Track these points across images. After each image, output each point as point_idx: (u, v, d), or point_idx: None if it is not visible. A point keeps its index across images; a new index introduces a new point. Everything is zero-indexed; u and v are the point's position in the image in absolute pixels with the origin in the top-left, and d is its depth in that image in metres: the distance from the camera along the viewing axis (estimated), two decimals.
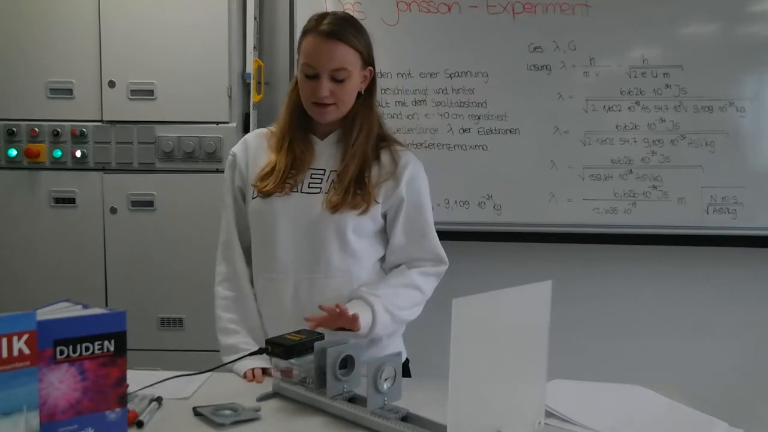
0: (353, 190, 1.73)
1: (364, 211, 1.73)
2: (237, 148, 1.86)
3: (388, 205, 1.78)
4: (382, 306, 1.69)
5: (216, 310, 1.84)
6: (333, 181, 1.75)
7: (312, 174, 1.76)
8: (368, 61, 1.76)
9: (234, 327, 1.80)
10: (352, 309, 1.64)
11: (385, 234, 1.83)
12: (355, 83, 1.73)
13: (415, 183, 1.80)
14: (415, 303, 1.79)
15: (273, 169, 1.76)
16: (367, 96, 1.78)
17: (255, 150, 1.83)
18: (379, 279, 1.82)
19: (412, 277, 1.78)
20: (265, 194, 1.75)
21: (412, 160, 1.82)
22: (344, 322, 1.61)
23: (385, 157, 1.79)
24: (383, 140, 1.82)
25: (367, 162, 1.75)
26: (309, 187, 1.75)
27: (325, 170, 1.77)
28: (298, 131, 1.78)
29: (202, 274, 2.79)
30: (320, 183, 1.75)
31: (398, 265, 1.82)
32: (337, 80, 1.69)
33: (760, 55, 2.81)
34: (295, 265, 1.76)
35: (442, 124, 2.89)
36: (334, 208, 1.71)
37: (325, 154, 1.78)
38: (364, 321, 1.65)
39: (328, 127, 1.78)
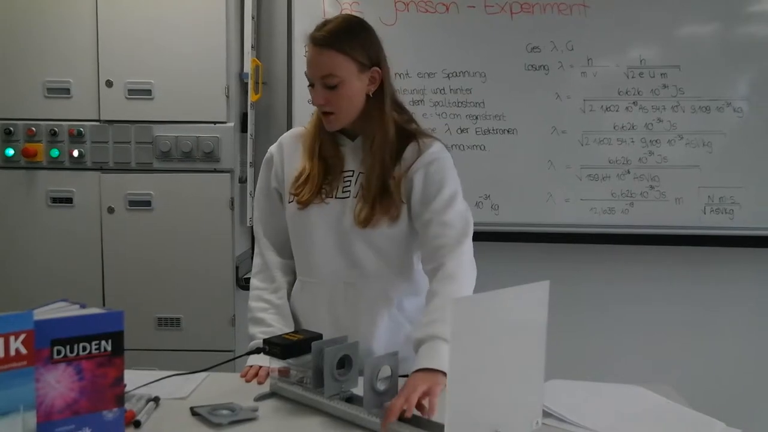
0: (380, 200, 1.69)
1: (395, 219, 1.69)
2: (273, 149, 1.85)
3: (406, 193, 1.72)
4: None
5: (249, 302, 1.83)
6: (361, 184, 1.72)
7: (344, 177, 1.74)
8: (370, 63, 1.70)
9: (261, 316, 1.78)
10: (425, 359, 1.51)
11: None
12: (353, 89, 1.68)
13: (433, 165, 1.73)
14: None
15: (308, 177, 1.74)
16: (377, 98, 1.72)
17: (290, 151, 1.82)
18: (415, 279, 1.78)
19: (448, 293, 1.61)
20: (304, 203, 1.73)
21: (433, 145, 1.76)
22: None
23: (408, 151, 1.73)
24: (409, 136, 1.76)
25: (387, 168, 1.70)
26: (343, 191, 1.73)
27: (353, 171, 1.74)
28: (327, 134, 1.76)
29: (200, 273, 2.81)
30: (350, 186, 1.73)
31: (431, 261, 1.68)
32: (329, 87, 1.66)
33: (758, 56, 2.82)
34: (331, 271, 1.74)
35: (440, 124, 2.89)
36: (363, 224, 1.69)
37: (354, 156, 1.75)
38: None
39: (356, 128, 1.75)
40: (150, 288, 2.82)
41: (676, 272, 3.01)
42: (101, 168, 2.80)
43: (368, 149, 1.72)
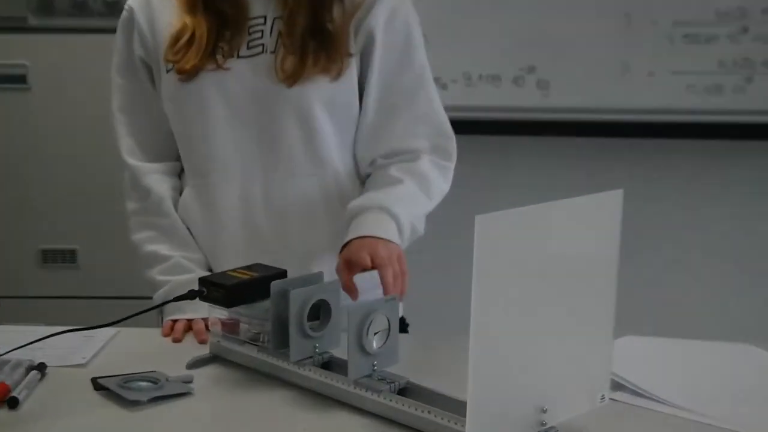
0: (312, 46, 1.72)
1: (338, 74, 1.74)
2: (133, 2, 1.86)
3: (357, 50, 1.78)
4: (406, 214, 1.73)
5: (129, 236, 1.88)
6: (280, 31, 1.74)
7: (250, 27, 1.76)
8: None
9: (149, 250, 1.83)
10: (364, 226, 1.68)
11: None
12: None
13: (398, 17, 1.79)
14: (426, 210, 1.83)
15: (192, 36, 1.76)
16: None
17: (160, 6, 1.83)
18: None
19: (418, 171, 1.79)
20: (188, 72, 1.75)
21: None
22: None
23: None
24: None
25: (321, 3, 1.74)
26: (249, 47, 1.75)
27: (265, 18, 1.76)
28: None
29: (102, 183, 2.81)
30: (261, 38, 1.75)
31: (395, 156, 1.82)
32: None
33: None
34: (241, 161, 1.78)
35: None
36: (291, 78, 1.72)
37: None
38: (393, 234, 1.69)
39: None
40: (30, 207, 2.84)
41: None
42: None
43: None
